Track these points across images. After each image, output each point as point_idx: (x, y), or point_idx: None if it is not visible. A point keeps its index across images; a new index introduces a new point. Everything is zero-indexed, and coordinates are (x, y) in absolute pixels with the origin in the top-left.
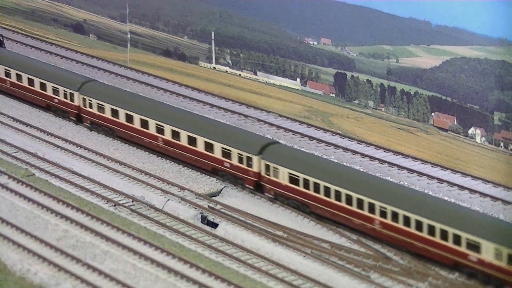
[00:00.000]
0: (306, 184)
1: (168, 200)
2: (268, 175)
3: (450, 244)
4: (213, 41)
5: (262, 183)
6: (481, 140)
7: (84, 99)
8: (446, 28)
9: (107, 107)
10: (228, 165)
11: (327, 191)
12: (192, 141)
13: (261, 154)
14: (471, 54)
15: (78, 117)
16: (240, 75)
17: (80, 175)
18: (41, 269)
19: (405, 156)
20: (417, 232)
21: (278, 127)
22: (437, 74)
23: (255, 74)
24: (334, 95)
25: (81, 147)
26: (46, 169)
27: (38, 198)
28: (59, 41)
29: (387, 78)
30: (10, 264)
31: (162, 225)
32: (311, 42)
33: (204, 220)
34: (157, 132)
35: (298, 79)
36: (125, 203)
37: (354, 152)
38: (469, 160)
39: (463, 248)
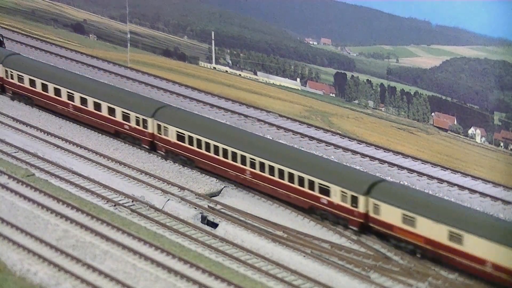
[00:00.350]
0: (190, 140)
1: (168, 200)
2: (160, 134)
3: (306, 189)
4: (213, 41)
5: (155, 141)
6: (481, 140)
7: (6, 71)
8: (446, 28)
9: (26, 77)
10: (127, 127)
11: (207, 147)
12: (97, 106)
13: (154, 115)
14: (471, 54)
15: (2, 88)
16: (240, 75)
17: (80, 175)
18: (41, 269)
19: (405, 156)
20: (280, 180)
21: (278, 127)
22: (437, 74)
23: (255, 74)
24: (334, 95)
25: (81, 147)
26: (46, 169)
27: (38, 198)
28: (59, 41)
29: (387, 78)
30: (10, 264)
31: (162, 225)
32: (311, 42)
33: (204, 220)
34: (68, 99)
35: (298, 79)
36: (125, 203)
37: (354, 152)
38: (469, 160)
39: (316, 192)
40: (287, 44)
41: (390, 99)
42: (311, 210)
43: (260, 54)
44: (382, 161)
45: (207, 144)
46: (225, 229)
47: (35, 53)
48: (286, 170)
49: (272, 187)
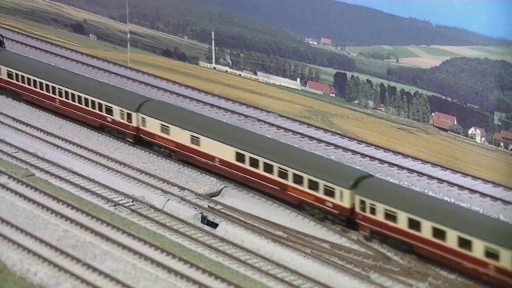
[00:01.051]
0: (17, 77)
1: (168, 200)
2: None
3: (97, 110)
4: (213, 41)
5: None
6: (481, 140)
7: None
8: (446, 28)
9: None
10: None
11: (29, 81)
12: None
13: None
14: (471, 54)
15: None
16: (240, 75)
17: (80, 175)
18: (41, 269)
19: (405, 156)
20: (79, 104)
21: (278, 127)
22: (437, 74)
23: (255, 74)
24: (334, 95)
25: (81, 147)
26: (46, 169)
27: (38, 198)
28: (59, 41)
29: (387, 78)
30: (10, 264)
31: (162, 225)
32: (311, 42)
33: (204, 220)
34: None
35: (298, 79)
36: (125, 203)
37: (354, 152)
38: (469, 160)
39: (104, 113)
40: (287, 44)
41: (390, 99)
42: (101, 128)
43: (260, 54)
44: (382, 161)
45: (29, 79)
46: (225, 229)
47: (35, 53)
48: (83, 96)
49: (74, 111)
